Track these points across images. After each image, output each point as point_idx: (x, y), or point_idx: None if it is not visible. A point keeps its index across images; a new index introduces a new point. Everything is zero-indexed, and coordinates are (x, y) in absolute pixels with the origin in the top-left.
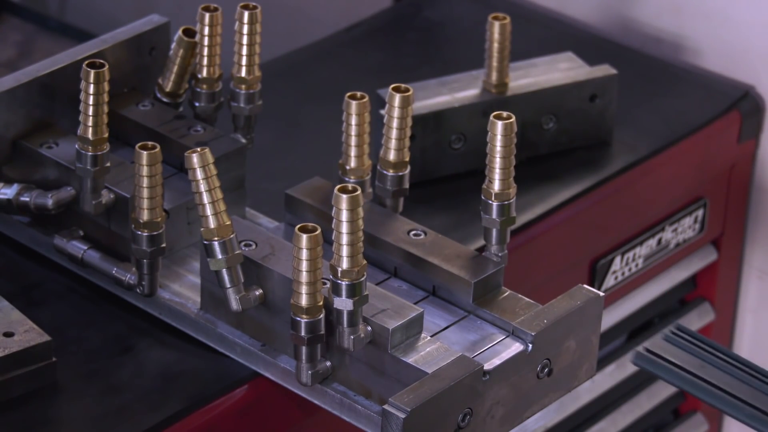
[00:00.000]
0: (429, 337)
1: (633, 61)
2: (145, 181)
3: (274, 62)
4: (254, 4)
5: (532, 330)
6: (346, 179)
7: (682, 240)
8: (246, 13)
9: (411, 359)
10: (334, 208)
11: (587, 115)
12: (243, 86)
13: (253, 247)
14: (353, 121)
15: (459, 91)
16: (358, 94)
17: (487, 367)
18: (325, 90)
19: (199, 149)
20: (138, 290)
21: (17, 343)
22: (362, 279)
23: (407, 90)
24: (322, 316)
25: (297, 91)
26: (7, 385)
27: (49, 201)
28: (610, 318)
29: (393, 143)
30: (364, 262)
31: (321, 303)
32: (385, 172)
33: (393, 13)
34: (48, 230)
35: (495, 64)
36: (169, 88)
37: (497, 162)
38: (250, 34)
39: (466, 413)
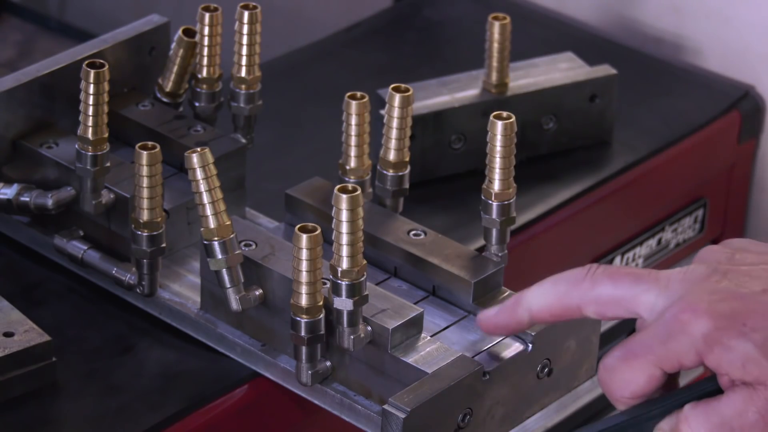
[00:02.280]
0: (429, 337)
1: (633, 61)
2: (145, 181)
3: (274, 62)
4: (254, 4)
5: (532, 330)
6: (346, 179)
7: (682, 240)
8: (246, 13)
9: (411, 359)
10: (334, 208)
11: (587, 115)
12: (243, 86)
13: (253, 247)
14: (353, 121)
15: (459, 91)
16: (358, 94)
17: (487, 367)
18: (325, 90)
19: (199, 149)
20: (138, 290)
21: (17, 343)
22: (362, 279)
23: (407, 90)
24: (322, 316)
25: (297, 91)
26: (7, 385)
27: (49, 201)
28: None
29: (393, 143)
30: (364, 262)
31: (321, 303)
32: (385, 172)
33: (393, 13)
34: (48, 230)
35: (495, 64)
36: (169, 88)
37: (497, 162)
38: (250, 34)
39: (466, 413)
